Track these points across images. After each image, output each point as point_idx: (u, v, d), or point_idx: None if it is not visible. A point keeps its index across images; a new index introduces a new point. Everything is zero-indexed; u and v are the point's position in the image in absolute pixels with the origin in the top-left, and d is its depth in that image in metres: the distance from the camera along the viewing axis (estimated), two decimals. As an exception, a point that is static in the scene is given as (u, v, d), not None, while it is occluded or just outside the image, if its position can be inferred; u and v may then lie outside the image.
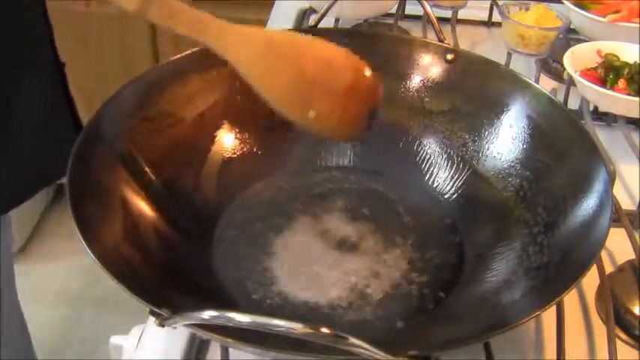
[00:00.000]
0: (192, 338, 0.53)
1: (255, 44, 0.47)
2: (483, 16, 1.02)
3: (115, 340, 0.57)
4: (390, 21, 0.99)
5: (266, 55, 0.48)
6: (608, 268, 0.59)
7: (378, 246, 0.58)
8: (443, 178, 0.64)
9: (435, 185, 0.64)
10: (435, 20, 0.68)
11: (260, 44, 0.48)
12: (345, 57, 0.49)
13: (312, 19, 0.71)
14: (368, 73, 0.50)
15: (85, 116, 0.55)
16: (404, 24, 1.01)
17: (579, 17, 0.87)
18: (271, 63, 0.48)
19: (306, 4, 1.00)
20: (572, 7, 0.88)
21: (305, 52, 0.49)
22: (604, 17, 0.85)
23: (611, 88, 0.75)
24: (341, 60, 0.49)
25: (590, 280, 0.58)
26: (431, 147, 0.66)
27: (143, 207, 0.55)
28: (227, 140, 0.65)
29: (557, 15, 0.87)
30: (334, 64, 0.49)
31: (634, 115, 0.74)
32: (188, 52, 0.64)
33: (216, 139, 0.64)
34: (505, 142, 0.62)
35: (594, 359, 0.53)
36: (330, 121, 0.50)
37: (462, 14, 0.98)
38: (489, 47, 0.95)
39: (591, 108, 0.81)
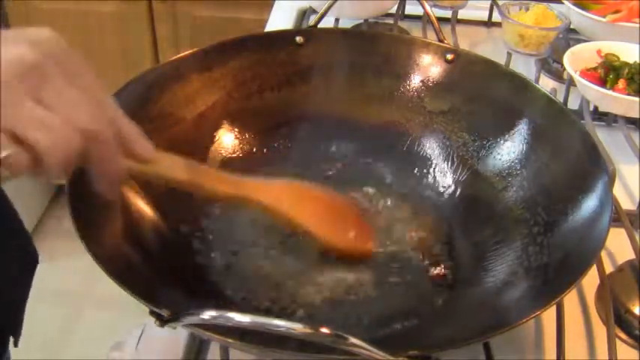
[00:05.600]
0: (192, 338, 0.53)
1: (288, 194, 0.55)
2: (483, 16, 1.02)
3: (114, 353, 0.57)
4: (390, 21, 0.99)
5: (299, 201, 0.55)
6: (608, 268, 0.59)
7: (378, 246, 0.58)
8: (443, 178, 0.64)
9: (434, 185, 0.64)
10: (435, 20, 0.68)
11: (292, 193, 0.56)
12: (334, 195, 0.59)
13: (312, 19, 0.71)
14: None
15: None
16: (404, 24, 1.01)
17: (579, 17, 0.87)
18: (303, 206, 0.55)
19: (306, 4, 1.00)
20: (572, 7, 0.88)
21: (317, 194, 0.57)
22: (604, 17, 0.85)
23: (611, 88, 0.75)
24: (337, 196, 0.59)
25: (590, 280, 0.58)
26: (431, 147, 0.66)
27: (143, 207, 0.55)
28: (227, 140, 0.65)
29: (557, 15, 0.87)
30: (336, 200, 0.59)
31: (634, 115, 0.74)
32: (188, 52, 0.64)
33: (216, 139, 0.64)
34: (505, 142, 0.62)
35: (594, 359, 0.53)
36: (363, 238, 0.57)
37: (462, 14, 0.98)
38: (489, 47, 0.96)
39: (591, 108, 0.81)
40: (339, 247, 0.55)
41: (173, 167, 0.48)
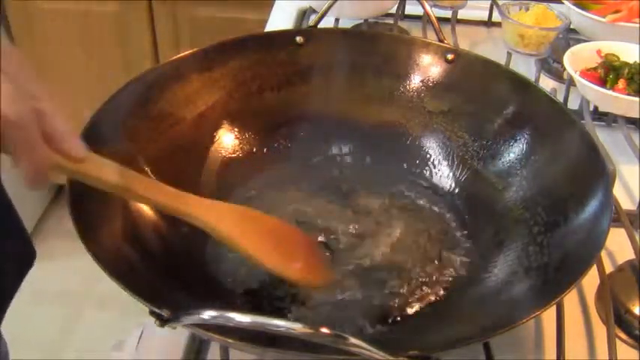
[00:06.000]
0: (193, 338, 0.53)
1: (231, 214, 0.53)
2: (483, 16, 1.02)
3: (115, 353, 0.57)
4: (390, 21, 0.99)
5: (241, 223, 0.53)
6: (608, 268, 0.59)
7: (377, 246, 0.58)
8: (443, 178, 0.64)
9: (434, 185, 0.64)
10: (435, 20, 0.68)
11: (235, 214, 0.53)
12: (284, 223, 0.57)
13: (312, 19, 0.71)
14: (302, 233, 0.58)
15: (85, 116, 0.55)
16: (404, 24, 1.01)
17: (579, 17, 0.87)
18: (247, 228, 0.53)
19: (306, 4, 1.00)
20: (572, 7, 0.88)
21: (263, 219, 0.55)
22: (604, 17, 0.85)
23: (611, 88, 0.75)
24: (284, 225, 0.57)
25: (590, 280, 0.58)
26: (431, 147, 0.66)
27: (143, 207, 0.55)
28: (227, 140, 0.65)
29: (557, 15, 0.87)
30: (284, 227, 0.57)
31: (634, 115, 0.74)
32: (188, 52, 0.64)
33: (216, 138, 0.64)
34: (505, 141, 0.62)
35: (594, 359, 0.53)
36: (311, 269, 0.55)
37: (462, 14, 0.98)
38: (489, 47, 0.96)
39: (591, 108, 0.81)
40: (282, 274, 0.53)
41: (104, 170, 0.46)
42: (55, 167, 0.43)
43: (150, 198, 0.49)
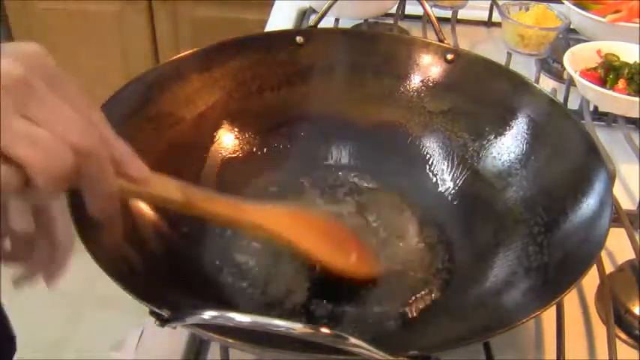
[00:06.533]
0: (193, 338, 0.53)
1: (285, 217, 0.53)
2: (483, 16, 1.02)
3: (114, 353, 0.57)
4: (390, 21, 0.99)
5: (297, 225, 0.53)
6: (608, 268, 0.59)
7: (377, 246, 0.58)
8: (443, 178, 0.64)
9: (434, 185, 0.64)
10: (435, 20, 0.68)
11: (289, 216, 0.54)
12: (331, 220, 0.60)
13: (312, 19, 0.71)
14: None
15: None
16: (404, 24, 1.01)
17: (579, 17, 0.87)
18: (303, 230, 0.53)
19: (306, 4, 1.00)
20: (572, 7, 0.88)
21: (315, 218, 0.57)
22: (604, 17, 0.85)
23: (611, 88, 0.75)
24: (332, 221, 0.59)
25: (590, 280, 0.58)
26: (431, 147, 0.66)
27: (143, 207, 0.55)
28: (227, 140, 0.65)
29: (557, 15, 0.87)
30: (333, 223, 0.59)
31: (634, 115, 0.74)
32: (188, 52, 0.64)
33: (216, 138, 0.64)
34: (505, 142, 0.62)
35: (594, 359, 0.53)
36: (364, 261, 0.56)
37: (462, 14, 0.98)
38: (489, 47, 0.96)
39: (591, 108, 0.81)
40: (341, 270, 0.53)
41: (167, 188, 0.45)
42: (121, 192, 0.41)
43: (212, 213, 0.48)
